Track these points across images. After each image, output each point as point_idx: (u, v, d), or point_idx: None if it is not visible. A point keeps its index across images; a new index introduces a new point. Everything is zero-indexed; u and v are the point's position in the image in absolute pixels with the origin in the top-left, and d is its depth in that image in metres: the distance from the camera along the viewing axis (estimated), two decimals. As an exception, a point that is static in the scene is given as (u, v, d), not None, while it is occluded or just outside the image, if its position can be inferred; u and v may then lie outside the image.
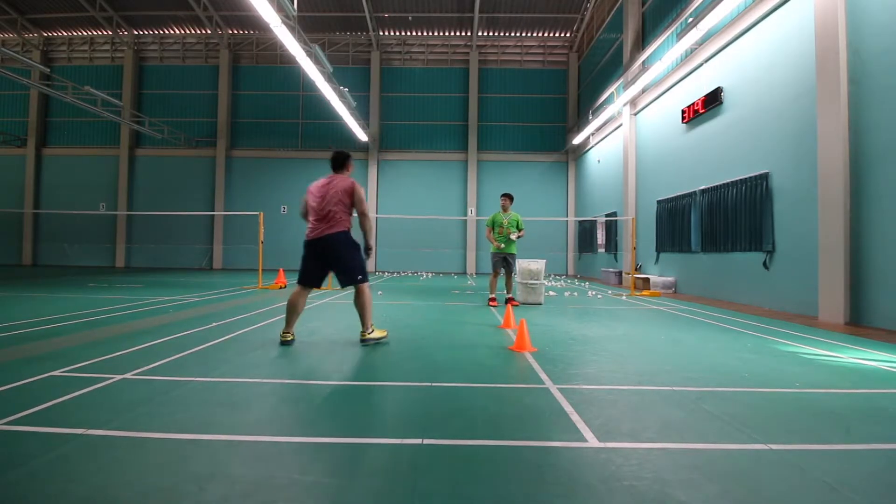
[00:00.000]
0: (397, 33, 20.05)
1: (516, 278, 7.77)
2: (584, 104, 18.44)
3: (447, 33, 20.00)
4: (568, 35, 19.85)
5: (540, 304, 7.69)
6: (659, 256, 11.63)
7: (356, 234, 4.20)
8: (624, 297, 9.30)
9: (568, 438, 2.07)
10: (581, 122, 18.01)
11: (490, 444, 2.00)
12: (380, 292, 9.54)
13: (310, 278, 4.16)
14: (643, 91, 12.72)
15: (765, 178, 7.73)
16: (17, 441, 1.95)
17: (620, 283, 13.31)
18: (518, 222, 7.62)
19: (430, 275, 17.43)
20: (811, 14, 6.68)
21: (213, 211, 18.91)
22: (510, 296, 7.49)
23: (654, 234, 11.75)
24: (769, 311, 7.15)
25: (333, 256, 4.09)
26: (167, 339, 4.17)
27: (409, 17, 18.90)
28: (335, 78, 15.18)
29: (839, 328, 5.59)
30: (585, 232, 18.09)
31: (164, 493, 1.55)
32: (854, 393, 2.88)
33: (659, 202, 11.56)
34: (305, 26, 18.27)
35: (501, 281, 8.09)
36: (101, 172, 20.10)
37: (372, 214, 18.59)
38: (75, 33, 20.54)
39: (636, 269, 12.25)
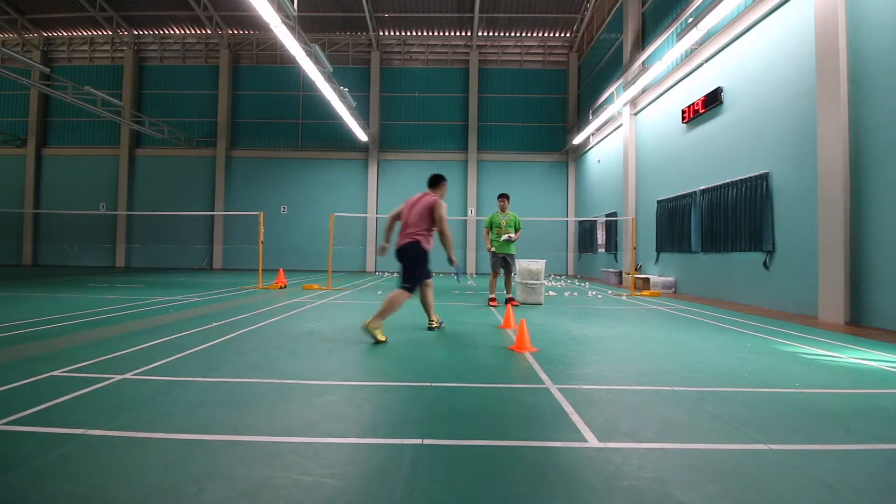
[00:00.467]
0: (397, 33, 20.05)
1: (516, 278, 7.77)
2: (584, 104, 18.44)
3: (447, 33, 20.00)
4: (568, 35, 19.85)
5: (540, 304, 7.69)
6: (659, 256, 11.63)
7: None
8: (624, 297, 9.31)
9: (568, 438, 2.07)
10: (581, 122, 18.01)
11: (490, 444, 2.00)
12: (379, 292, 9.55)
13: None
14: (643, 91, 12.72)
15: (765, 178, 7.72)
16: (17, 441, 1.95)
17: (620, 283, 13.31)
18: (516, 222, 7.64)
19: (430, 275, 17.39)
20: (811, 14, 6.68)
21: (213, 211, 18.91)
22: (510, 296, 7.49)
23: (654, 234, 11.75)
24: (769, 311, 7.15)
25: (404, 261, 4.61)
26: (167, 339, 4.17)
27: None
28: (335, 78, 15.18)
29: (839, 328, 5.59)
30: (585, 232, 18.09)
31: (164, 493, 1.55)
32: (854, 393, 2.88)
33: (659, 202, 11.56)
34: (305, 26, 18.28)
35: (501, 281, 8.10)
36: (101, 172, 20.10)
37: (370, 215, 18.60)
38: (75, 33, 20.54)
39: (636, 270, 12.25)
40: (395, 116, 20.12)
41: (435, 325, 5.02)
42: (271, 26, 9.92)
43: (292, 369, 3.23)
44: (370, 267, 19.58)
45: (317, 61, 12.88)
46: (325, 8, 18.52)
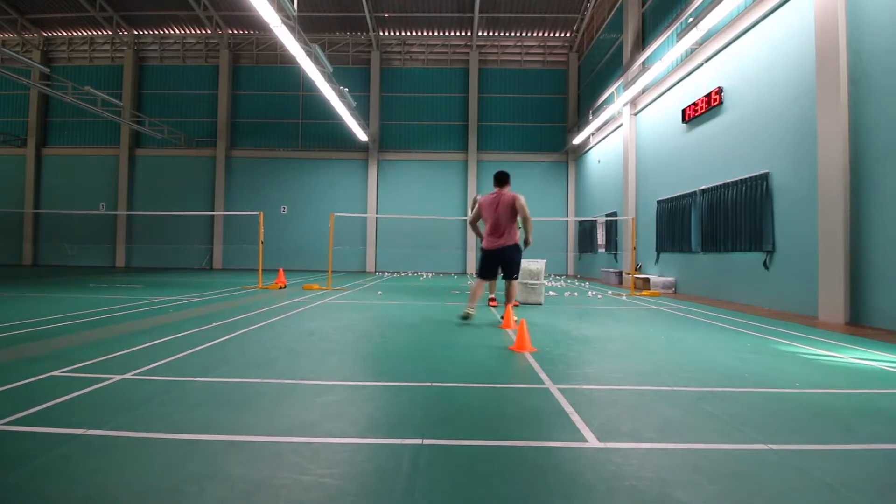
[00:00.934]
0: (397, 33, 20.06)
1: (516, 278, 7.77)
2: (584, 104, 18.44)
3: (447, 33, 20.00)
4: (568, 35, 19.85)
5: (540, 304, 7.69)
6: (659, 256, 11.63)
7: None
8: (624, 297, 9.30)
9: (568, 438, 2.07)
10: (581, 122, 18.01)
11: (490, 444, 2.00)
12: (379, 292, 9.55)
13: (487, 274, 5.59)
14: (643, 91, 12.72)
15: (765, 178, 7.72)
16: (17, 441, 1.95)
17: (620, 283, 13.31)
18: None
19: (429, 275, 17.43)
20: (811, 14, 6.68)
21: (213, 211, 18.91)
22: (510, 296, 7.49)
23: (654, 234, 11.75)
24: (769, 311, 7.15)
25: (506, 261, 5.42)
26: (167, 339, 4.17)
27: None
28: (335, 78, 15.19)
29: (839, 328, 5.59)
30: (585, 232, 18.09)
31: (164, 493, 1.55)
32: (854, 393, 2.88)
33: (659, 202, 11.56)
34: (305, 26, 18.27)
35: (501, 281, 8.09)
36: (101, 172, 20.11)
37: (370, 215, 18.59)
38: (75, 33, 20.55)
39: (636, 269, 12.25)
40: (395, 116, 20.13)
41: (512, 305, 5.52)
42: (271, 26, 9.92)
43: (292, 369, 3.23)
44: (370, 267, 19.58)
45: (317, 61, 12.88)
46: (325, 8, 18.53)
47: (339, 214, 11.50)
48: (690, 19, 9.52)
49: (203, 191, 19.99)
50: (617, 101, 13.46)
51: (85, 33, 20.54)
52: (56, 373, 2.97)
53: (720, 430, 2.20)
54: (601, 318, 6.14)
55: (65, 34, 20.56)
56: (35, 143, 20.11)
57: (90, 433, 2.02)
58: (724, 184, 8.86)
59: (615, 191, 14.81)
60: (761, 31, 8.04)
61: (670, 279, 10.80)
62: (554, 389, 2.82)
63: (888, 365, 3.64)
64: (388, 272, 18.68)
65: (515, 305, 7.20)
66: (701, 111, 9.74)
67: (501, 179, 5.60)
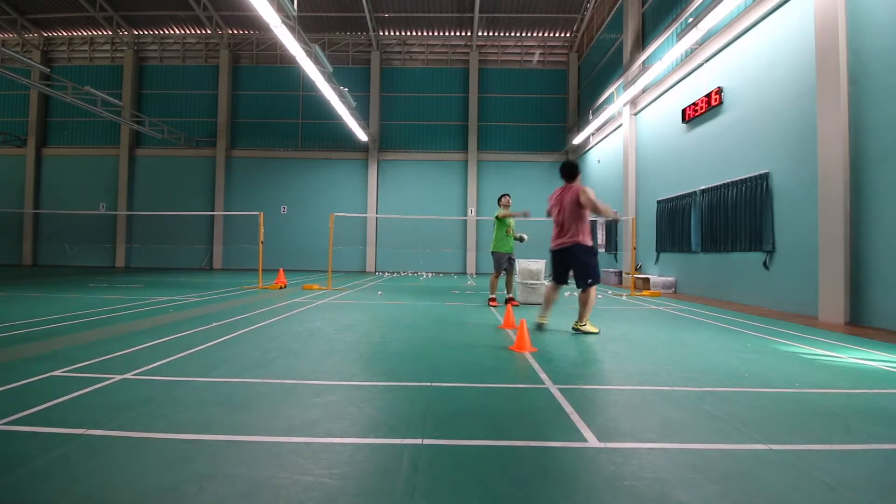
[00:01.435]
0: (397, 33, 20.06)
1: (516, 278, 7.77)
2: (584, 104, 18.44)
3: (447, 33, 20.00)
4: (568, 35, 19.85)
5: (540, 304, 7.68)
6: (659, 256, 11.63)
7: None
8: (624, 297, 9.30)
9: (568, 438, 2.07)
10: (581, 122, 18.02)
11: (490, 444, 2.00)
12: (379, 293, 9.55)
13: (558, 277, 5.04)
14: (643, 91, 12.72)
15: (765, 178, 7.72)
16: (17, 441, 1.95)
17: (620, 283, 13.31)
18: (513, 223, 7.72)
19: (429, 275, 17.43)
20: (811, 14, 6.68)
21: (213, 211, 18.91)
22: (510, 296, 7.49)
23: (654, 234, 11.75)
24: (769, 311, 7.15)
25: (575, 264, 4.85)
26: (167, 339, 4.17)
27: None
28: (335, 78, 15.19)
29: (839, 328, 5.59)
30: (585, 232, 18.05)
31: (164, 493, 1.55)
32: (854, 393, 2.88)
33: (659, 202, 11.56)
34: (305, 26, 18.27)
35: (501, 281, 8.10)
36: (101, 172, 20.11)
37: (370, 215, 18.58)
38: (75, 33, 20.55)
39: (636, 269, 12.25)
40: (395, 116, 20.12)
41: (583, 327, 4.86)
42: (271, 26, 9.92)
43: (292, 369, 3.23)
44: (370, 267, 19.57)
45: (317, 61, 12.88)
46: (325, 8, 18.52)
47: (338, 214, 11.49)
48: (690, 19, 9.52)
49: (203, 191, 19.99)
50: (617, 101, 13.45)
51: (85, 33, 20.54)
52: (56, 373, 2.97)
53: (720, 430, 2.20)
54: (601, 318, 6.14)
55: (65, 34, 20.56)
56: (35, 143, 20.11)
57: (90, 433, 2.02)
58: (723, 184, 8.86)
59: (615, 191, 14.81)
60: (761, 31, 8.04)
61: (670, 279, 10.80)
62: (554, 389, 2.82)
63: (888, 365, 3.64)
64: (388, 272, 18.68)
65: (515, 305, 7.21)
66: (701, 111, 9.73)
67: (568, 173, 4.94)
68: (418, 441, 2.01)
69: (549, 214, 5.13)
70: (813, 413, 2.48)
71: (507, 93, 20.16)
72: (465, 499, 1.55)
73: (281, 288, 9.88)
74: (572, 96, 19.92)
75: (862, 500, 1.58)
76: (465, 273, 19.06)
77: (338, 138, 19.86)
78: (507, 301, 7.28)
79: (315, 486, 1.61)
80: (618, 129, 14.73)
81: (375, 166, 19.75)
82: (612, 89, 13.91)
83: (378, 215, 18.69)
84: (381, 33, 19.95)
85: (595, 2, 17.14)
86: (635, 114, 13.39)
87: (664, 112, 11.64)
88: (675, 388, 2.88)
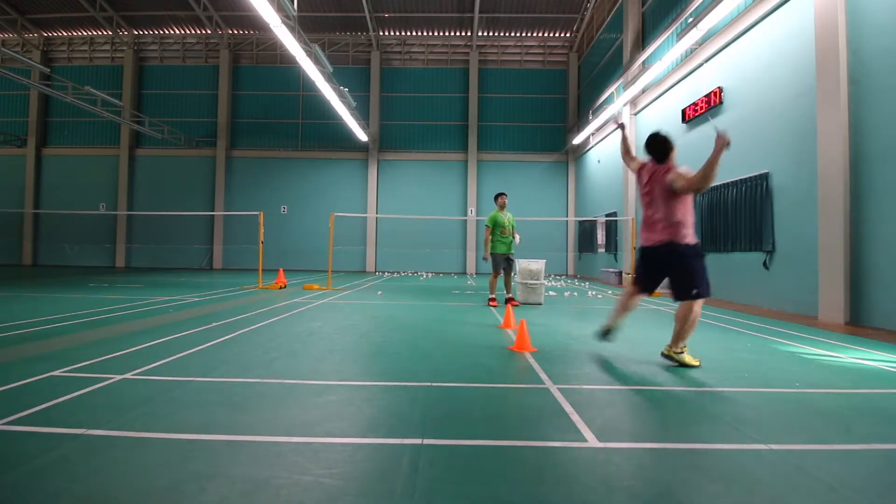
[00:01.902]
0: (397, 33, 20.05)
1: (516, 278, 7.77)
2: (584, 104, 18.43)
3: (447, 33, 20.00)
4: (568, 35, 19.85)
5: (540, 304, 7.69)
6: (659, 256, 11.61)
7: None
8: (624, 297, 9.29)
9: (568, 438, 2.07)
10: (581, 122, 18.01)
11: (490, 444, 2.00)
12: (379, 293, 9.55)
13: (643, 282, 3.69)
14: (643, 91, 12.71)
15: (765, 178, 7.72)
16: (17, 441, 1.95)
17: (621, 283, 13.30)
18: (513, 223, 7.70)
19: (429, 275, 17.43)
20: (811, 14, 6.68)
21: (213, 211, 18.91)
22: (510, 296, 7.48)
23: (654, 234, 11.72)
24: (769, 311, 7.14)
25: (673, 268, 3.47)
26: (167, 339, 4.17)
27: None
28: (335, 78, 15.18)
29: (839, 328, 5.59)
30: (585, 232, 18.08)
31: (164, 493, 1.55)
32: (854, 393, 2.88)
33: (659, 202, 11.54)
34: (305, 26, 18.27)
35: (501, 281, 8.10)
36: (101, 172, 20.10)
37: (370, 215, 18.57)
38: (75, 33, 20.54)
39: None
40: (395, 116, 20.12)
41: (676, 354, 3.52)
42: (271, 26, 9.92)
43: (292, 369, 3.23)
44: (370, 267, 19.57)
45: (317, 61, 12.88)
46: (325, 8, 18.52)
47: (338, 214, 11.49)
48: (690, 19, 9.51)
49: (203, 191, 19.99)
50: (617, 101, 13.45)
51: (85, 33, 20.53)
52: (56, 373, 2.97)
53: (720, 430, 2.20)
54: (601, 318, 6.13)
55: (65, 34, 20.55)
56: (35, 143, 20.11)
57: (90, 433, 2.03)
58: (724, 184, 8.86)
59: (615, 191, 14.80)
60: (761, 31, 8.03)
61: (670, 279, 10.78)
62: (554, 389, 2.82)
63: (888, 365, 3.64)
64: (388, 272, 18.67)
65: (515, 305, 7.21)
66: (701, 111, 9.73)
67: (656, 147, 3.53)
68: (418, 441, 2.01)
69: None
70: (813, 413, 2.48)
71: (506, 93, 20.16)
72: (465, 499, 1.55)
73: (281, 288, 9.88)
74: (572, 96, 19.92)
75: (862, 500, 1.58)
76: (464, 273, 19.05)
77: (338, 138, 19.86)
78: (507, 301, 7.27)
79: (315, 486, 1.61)
80: (618, 129, 14.71)
81: (375, 166, 19.75)
82: (611, 89, 13.91)
83: (378, 215, 18.69)
84: (381, 33, 19.95)
85: (595, 2, 17.14)
86: (635, 114, 13.39)
87: (664, 112, 11.64)
88: (674, 388, 2.88)
